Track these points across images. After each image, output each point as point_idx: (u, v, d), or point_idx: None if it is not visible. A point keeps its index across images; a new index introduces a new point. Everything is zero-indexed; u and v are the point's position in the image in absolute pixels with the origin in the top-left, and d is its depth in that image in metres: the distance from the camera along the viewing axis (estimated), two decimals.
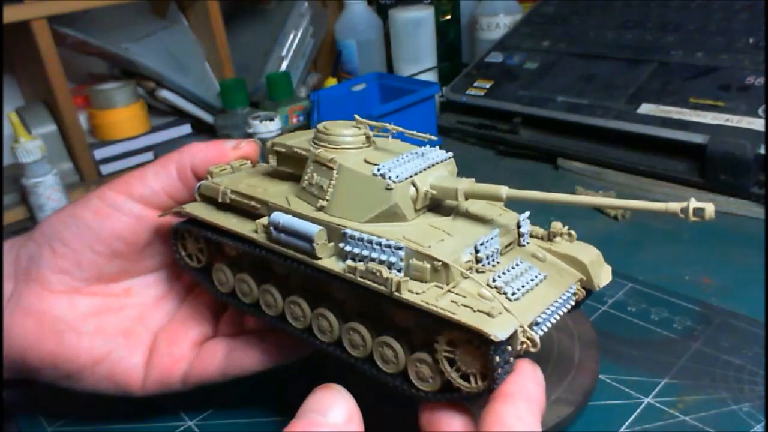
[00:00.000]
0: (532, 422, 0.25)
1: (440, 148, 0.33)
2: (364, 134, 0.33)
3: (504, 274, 0.28)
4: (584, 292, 0.32)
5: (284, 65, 1.06)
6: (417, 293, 0.27)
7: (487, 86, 0.79)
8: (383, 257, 0.28)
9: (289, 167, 0.35)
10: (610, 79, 0.70)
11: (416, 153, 0.32)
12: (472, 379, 0.27)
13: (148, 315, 0.38)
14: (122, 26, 1.00)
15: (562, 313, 0.29)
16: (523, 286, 0.28)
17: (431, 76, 1.02)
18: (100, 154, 0.90)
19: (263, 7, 1.13)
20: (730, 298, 0.45)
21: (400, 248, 0.28)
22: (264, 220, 0.33)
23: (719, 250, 0.51)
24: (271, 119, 0.74)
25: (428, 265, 0.28)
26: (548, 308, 0.28)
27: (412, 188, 0.30)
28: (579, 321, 0.41)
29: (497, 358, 0.25)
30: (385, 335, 0.30)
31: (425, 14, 1.02)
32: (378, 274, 0.27)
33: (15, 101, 0.99)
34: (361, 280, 0.28)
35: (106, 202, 0.36)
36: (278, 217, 0.31)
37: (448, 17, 1.10)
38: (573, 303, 0.31)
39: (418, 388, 0.29)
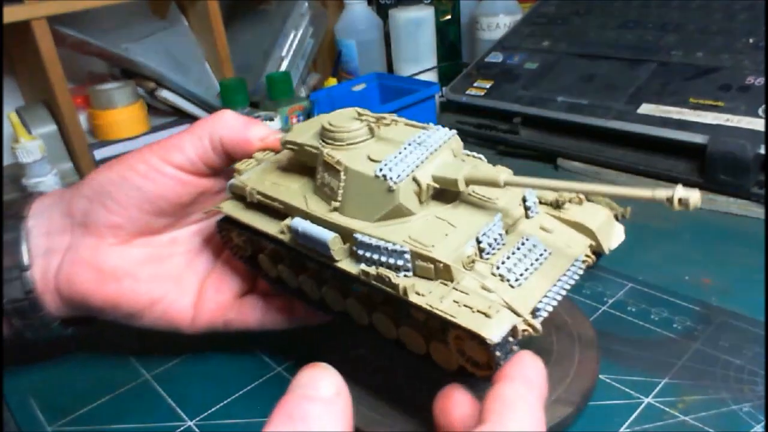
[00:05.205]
0: (535, 404, 0.25)
1: None
2: (367, 126, 0.33)
3: (508, 258, 0.29)
4: (594, 257, 0.32)
5: (284, 65, 1.06)
6: (423, 295, 0.28)
7: (487, 86, 0.79)
8: (391, 261, 0.29)
9: (304, 159, 0.36)
10: (610, 79, 0.70)
11: (418, 140, 0.32)
12: (484, 366, 0.28)
13: (194, 262, 0.44)
14: (122, 26, 1.00)
15: (568, 287, 0.30)
16: (526, 269, 0.29)
17: (431, 76, 1.02)
18: (100, 154, 0.90)
19: (263, 7, 1.13)
20: (730, 298, 0.45)
21: (405, 252, 0.29)
22: (289, 221, 0.34)
23: (719, 250, 0.51)
24: (272, 119, 0.74)
25: (432, 266, 0.29)
26: (553, 288, 0.29)
27: (415, 184, 0.31)
28: (579, 321, 0.41)
29: (497, 353, 0.26)
30: (405, 326, 0.32)
31: (425, 14, 1.02)
32: (388, 279, 0.29)
33: (15, 101, 0.99)
34: (375, 283, 0.30)
35: (152, 167, 0.40)
36: (297, 223, 0.32)
37: (448, 17, 1.10)
38: (581, 272, 0.31)
39: (444, 368, 0.31)
